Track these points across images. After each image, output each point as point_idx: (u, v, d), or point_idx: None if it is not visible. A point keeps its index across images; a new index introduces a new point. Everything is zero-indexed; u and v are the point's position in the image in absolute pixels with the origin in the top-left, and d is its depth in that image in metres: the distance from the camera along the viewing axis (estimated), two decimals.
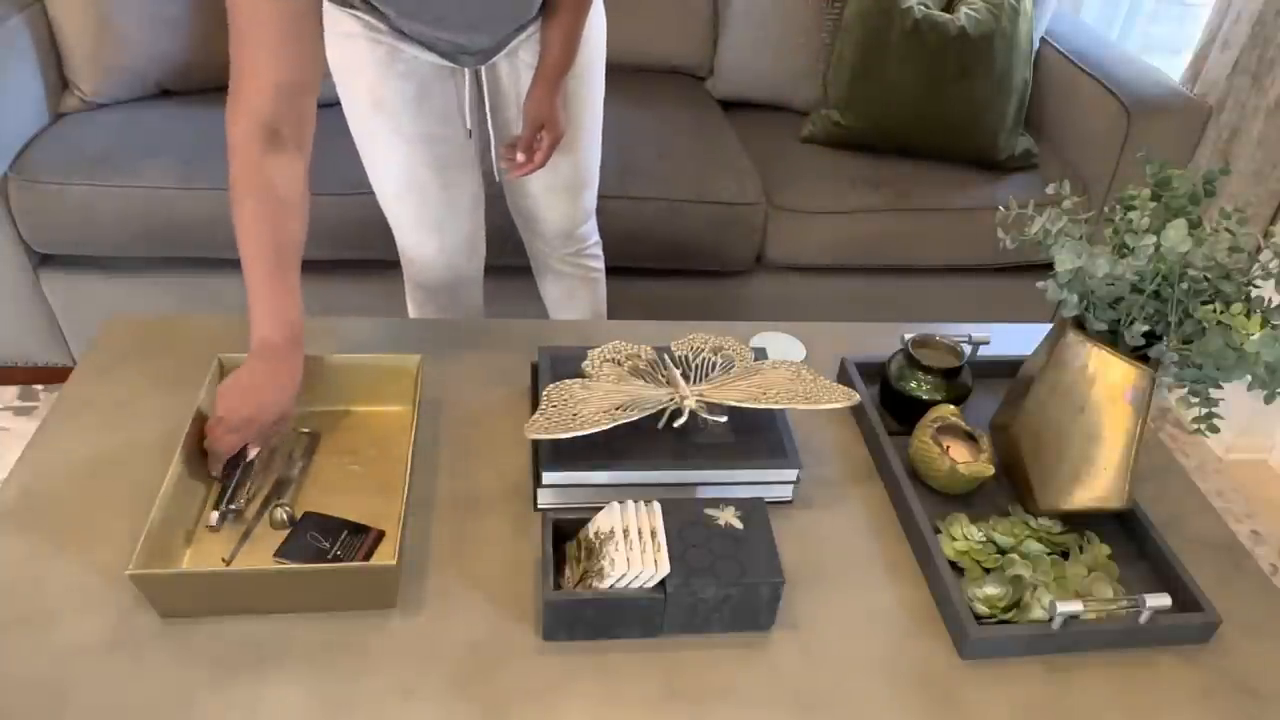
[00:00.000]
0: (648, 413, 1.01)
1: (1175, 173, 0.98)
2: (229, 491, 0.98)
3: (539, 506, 1.02)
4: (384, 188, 1.41)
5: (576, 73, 1.39)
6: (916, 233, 2.01)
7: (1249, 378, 0.89)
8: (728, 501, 0.95)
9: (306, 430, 1.08)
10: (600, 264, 1.71)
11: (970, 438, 1.09)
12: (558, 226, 1.58)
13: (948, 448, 1.08)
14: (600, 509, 0.93)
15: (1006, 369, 1.25)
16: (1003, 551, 1.00)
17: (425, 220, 1.43)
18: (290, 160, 1.03)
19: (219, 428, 0.97)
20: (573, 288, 1.70)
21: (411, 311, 1.61)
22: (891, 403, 1.18)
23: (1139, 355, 0.96)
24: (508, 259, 1.92)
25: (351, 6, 1.21)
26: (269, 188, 1.01)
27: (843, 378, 1.23)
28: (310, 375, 1.09)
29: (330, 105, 2.01)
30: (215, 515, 0.96)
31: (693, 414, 1.03)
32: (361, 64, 1.27)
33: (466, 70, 1.32)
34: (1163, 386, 0.96)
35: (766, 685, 0.87)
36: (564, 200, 1.54)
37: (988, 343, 1.24)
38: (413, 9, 1.17)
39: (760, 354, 1.15)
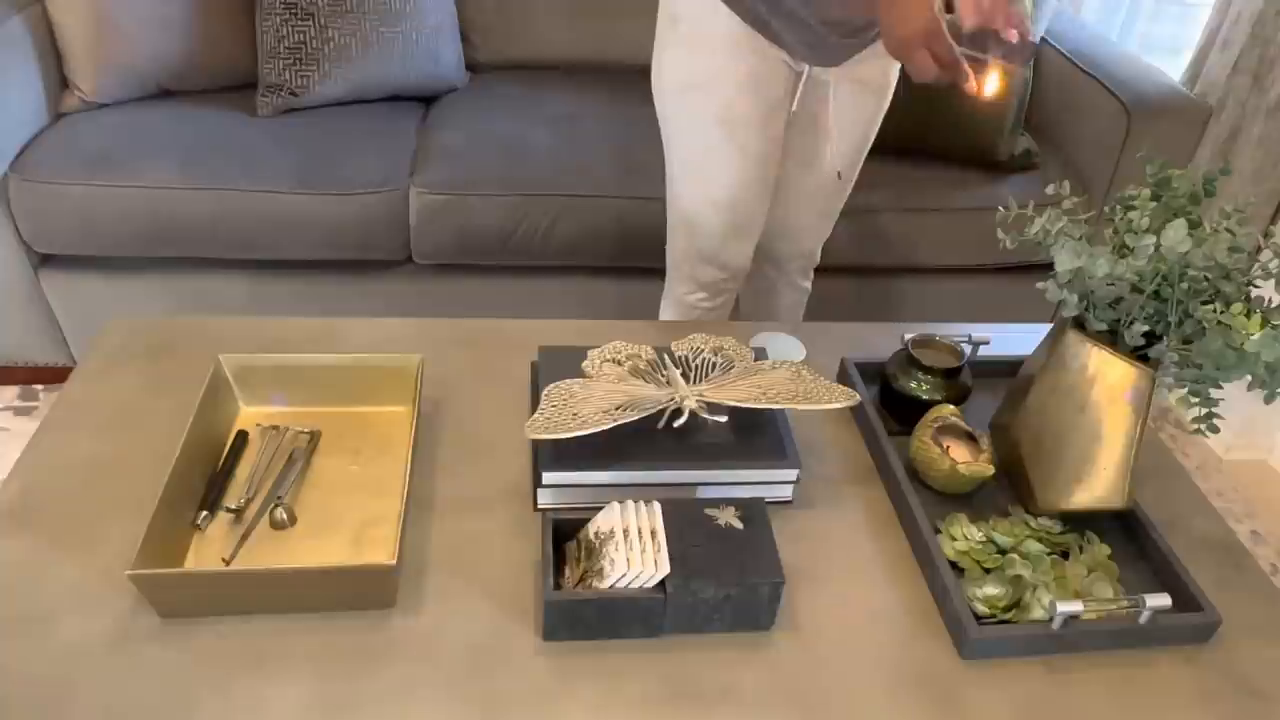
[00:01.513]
0: (648, 413, 1.01)
1: (1175, 173, 0.98)
2: (214, 492, 0.99)
3: (539, 506, 1.02)
4: (710, 197, 1.42)
5: (867, 117, 1.44)
6: (916, 233, 2.01)
7: (1249, 378, 0.89)
8: (728, 501, 0.95)
9: (306, 430, 1.08)
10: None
11: (970, 438, 1.09)
12: (804, 247, 1.63)
13: (948, 448, 1.08)
14: (600, 509, 0.93)
15: (1006, 369, 1.25)
16: (1003, 551, 1.00)
17: (743, 228, 1.47)
18: None
19: (913, 67, 0.99)
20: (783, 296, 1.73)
21: (675, 314, 1.60)
22: (891, 403, 1.18)
23: (1139, 355, 0.96)
24: (508, 259, 1.93)
25: (746, 6, 1.24)
26: None
27: (843, 378, 1.23)
28: (310, 375, 1.10)
29: (331, 105, 2.02)
30: (203, 515, 0.96)
31: (693, 414, 1.03)
32: (721, 79, 1.30)
33: (806, 75, 1.34)
34: (1163, 386, 0.96)
35: (766, 685, 0.87)
36: (823, 222, 1.60)
37: (988, 343, 1.24)
38: None
39: (760, 354, 1.15)
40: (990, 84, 0.97)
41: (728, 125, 1.34)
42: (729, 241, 1.47)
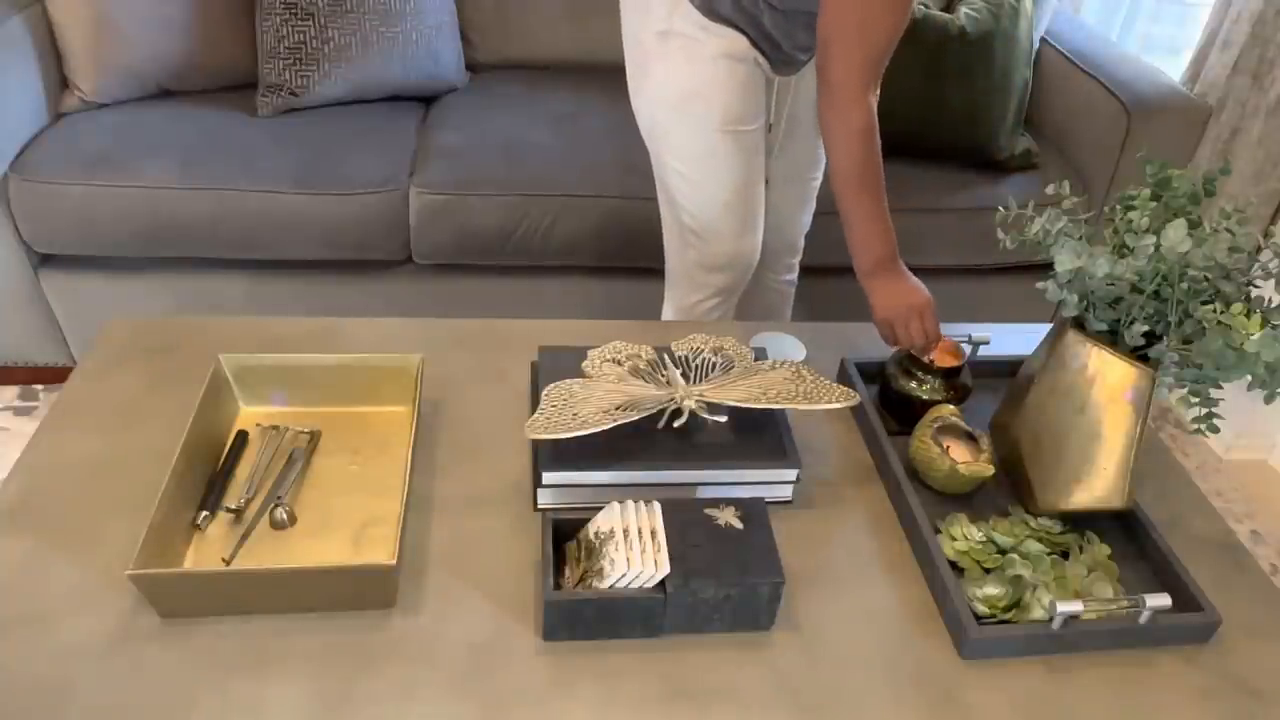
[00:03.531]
0: (648, 413, 1.01)
1: (1175, 173, 0.98)
2: (214, 492, 0.99)
3: (539, 506, 1.02)
4: (721, 200, 1.43)
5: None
6: (916, 233, 2.00)
7: (1249, 378, 0.89)
8: (728, 501, 0.95)
9: (306, 430, 1.08)
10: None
11: (970, 438, 1.09)
12: (788, 239, 1.67)
13: (948, 448, 1.08)
14: (600, 509, 0.93)
15: (1006, 369, 1.25)
16: (1003, 551, 1.00)
17: (753, 221, 1.48)
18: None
19: (905, 330, 1.18)
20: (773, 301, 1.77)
21: (678, 316, 1.61)
22: (891, 403, 1.18)
23: (1139, 355, 0.96)
24: (507, 259, 1.93)
25: (737, 27, 1.29)
26: (876, 132, 1.20)
27: (843, 378, 1.23)
28: (310, 375, 1.10)
29: (331, 105, 2.02)
30: (203, 515, 0.96)
31: (693, 414, 1.03)
32: (723, 85, 1.33)
33: (776, 82, 1.42)
34: (1163, 386, 0.96)
35: (766, 685, 0.87)
36: (804, 210, 1.65)
37: (988, 343, 1.24)
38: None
39: (760, 354, 1.15)
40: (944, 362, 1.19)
41: (730, 125, 1.36)
42: (743, 238, 1.48)
